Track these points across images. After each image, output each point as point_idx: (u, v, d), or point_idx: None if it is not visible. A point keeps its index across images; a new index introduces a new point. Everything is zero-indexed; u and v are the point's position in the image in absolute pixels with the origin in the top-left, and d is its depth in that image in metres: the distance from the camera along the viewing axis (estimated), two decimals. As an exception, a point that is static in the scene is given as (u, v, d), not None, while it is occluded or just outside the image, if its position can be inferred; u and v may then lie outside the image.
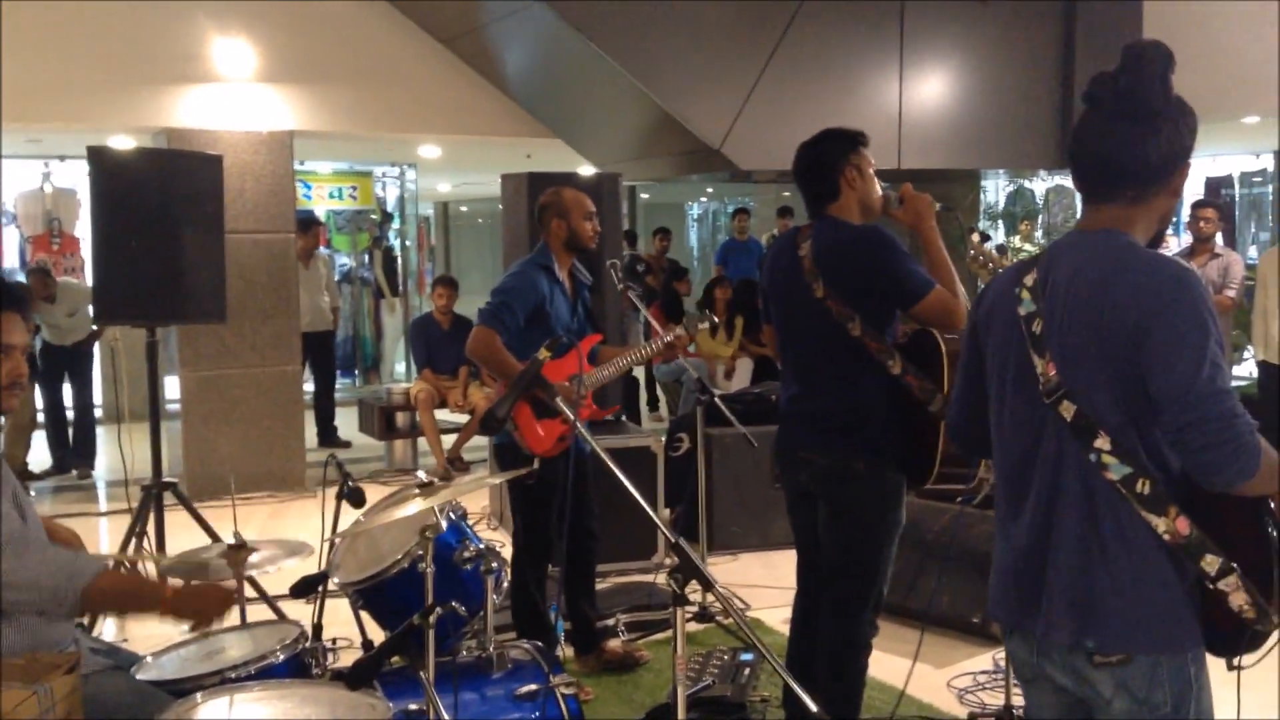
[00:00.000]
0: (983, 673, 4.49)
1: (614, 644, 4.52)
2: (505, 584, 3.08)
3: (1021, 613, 2.11)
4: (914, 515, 5.13)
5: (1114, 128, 2.02)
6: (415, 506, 2.67)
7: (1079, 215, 2.15)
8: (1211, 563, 1.91)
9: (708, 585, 2.10)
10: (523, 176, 6.43)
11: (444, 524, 2.90)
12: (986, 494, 6.26)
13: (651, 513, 2.23)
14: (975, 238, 3.42)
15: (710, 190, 18.89)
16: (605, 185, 6.24)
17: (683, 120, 7.28)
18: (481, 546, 3.03)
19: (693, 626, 4.93)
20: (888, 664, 4.43)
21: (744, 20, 7.43)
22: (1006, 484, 2.17)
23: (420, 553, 2.69)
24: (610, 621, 4.71)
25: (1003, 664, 4.36)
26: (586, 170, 9.15)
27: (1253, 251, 12.53)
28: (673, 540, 2.14)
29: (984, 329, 2.22)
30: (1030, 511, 2.08)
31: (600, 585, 4.84)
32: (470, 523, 6.45)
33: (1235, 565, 1.91)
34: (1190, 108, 2.06)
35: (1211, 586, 1.93)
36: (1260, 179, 12.86)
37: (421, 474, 2.92)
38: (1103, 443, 1.95)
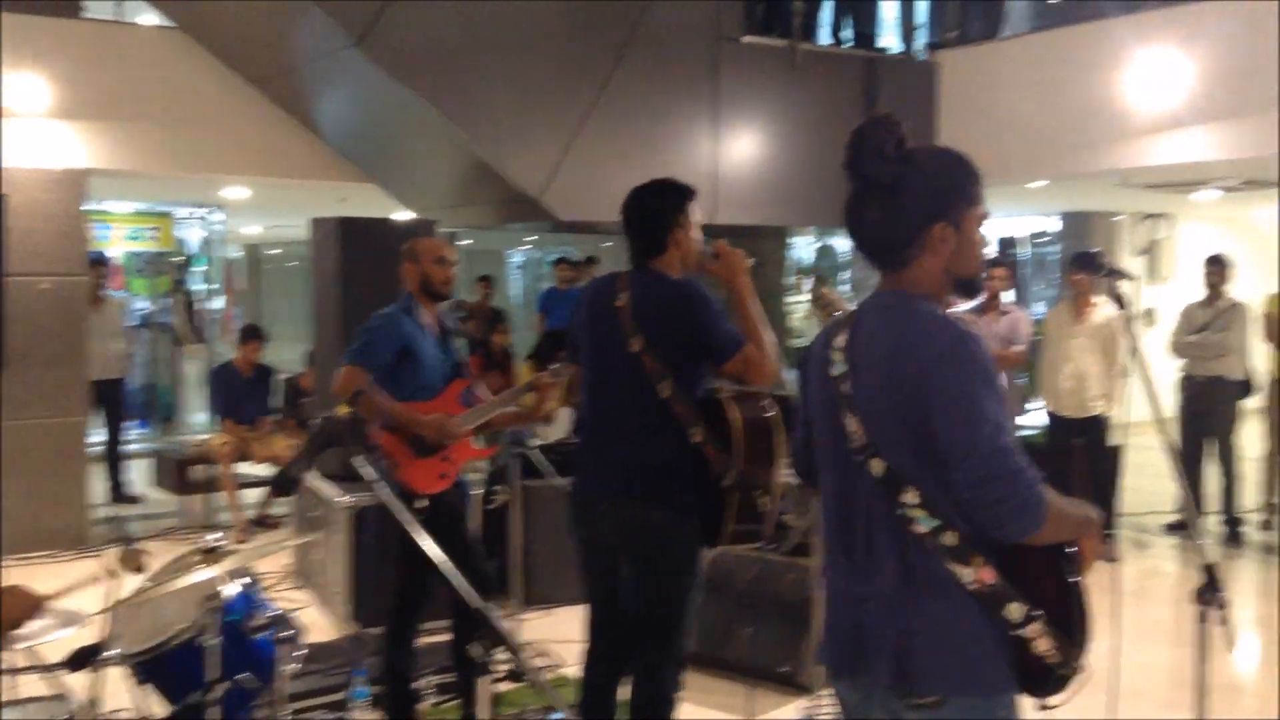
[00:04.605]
0: (792, 723, 4.52)
1: None
2: (301, 651, 2.92)
3: (848, 658, 2.16)
4: (726, 566, 5.20)
5: (858, 207, 2.15)
6: (201, 574, 2.49)
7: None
8: (1014, 611, 2.00)
9: (513, 650, 2.04)
10: (333, 221, 6.26)
11: (230, 591, 2.72)
12: (796, 542, 6.38)
13: (451, 575, 2.15)
14: (828, 287, 3.53)
15: (534, 238, 18.87)
16: (421, 231, 6.12)
17: (502, 170, 7.24)
18: (274, 613, 2.86)
19: (504, 686, 4.81)
20: (699, 717, 4.43)
21: (564, 72, 7.47)
22: (831, 534, 2.23)
23: (206, 621, 2.52)
24: (420, 684, 4.55)
25: (812, 714, 4.40)
26: (402, 216, 9.00)
27: (1040, 308, 13.29)
28: (475, 607, 2.07)
29: (810, 387, 2.29)
30: (855, 560, 2.14)
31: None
32: (270, 584, 6.18)
33: (1038, 613, 2.00)
34: (939, 164, 2.13)
35: (1015, 634, 2.01)
36: (1048, 239, 13.68)
37: (211, 537, 2.74)
38: (910, 497, 2.02)
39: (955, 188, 2.13)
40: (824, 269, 12.61)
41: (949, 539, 2.00)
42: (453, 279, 4.30)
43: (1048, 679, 2.05)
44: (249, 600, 2.89)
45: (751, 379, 3.24)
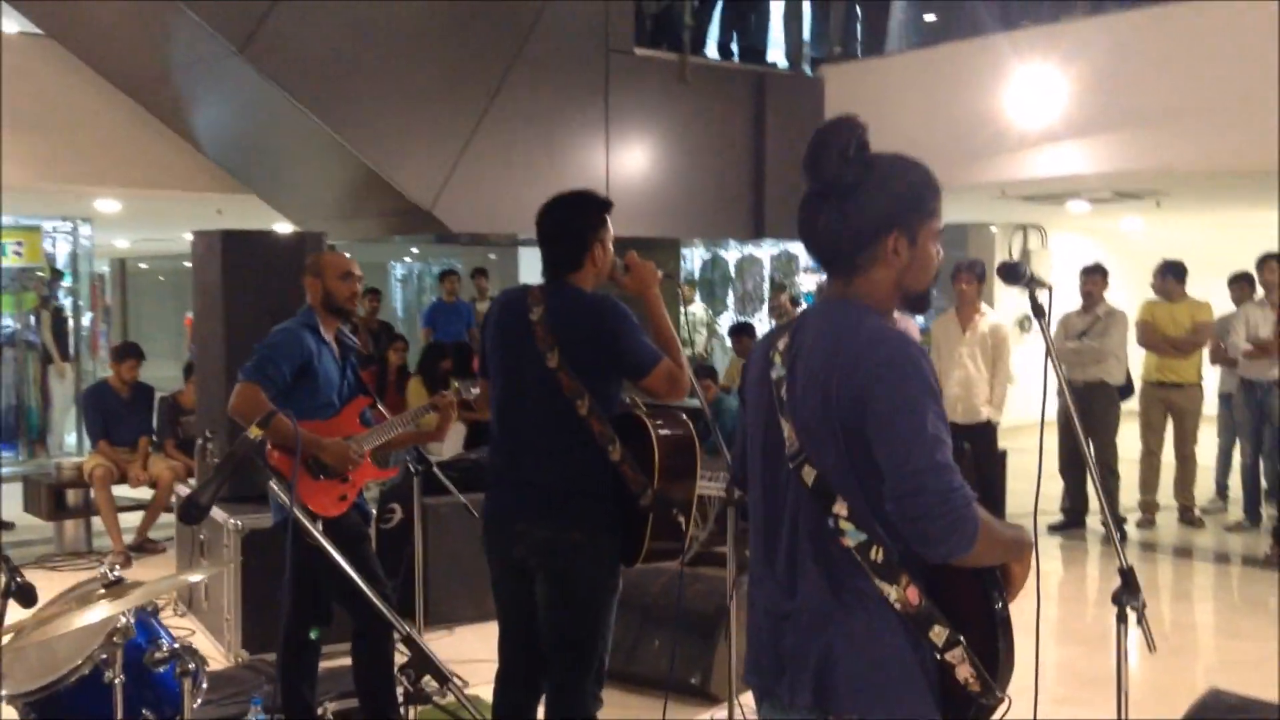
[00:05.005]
0: (703, 735, 4.50)
1: None
2: (204, 684, 2.78)
3: (771, 677, 2.07)
4: (633, 577, 5.14)
5: (811, 206, 2.05)
6: (102, 610, 2.34)
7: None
8: (939, 634, 1.93)
9: (443, 680, 1.96)
10: (216, 234, 6.04)
11: (134, 624, 2.57)
12: (696, 551, 6.38)
13: (378, 600, 2.07)
14: (786, 298, 3.51)
15: (415, 250, 18.60)
16: (309, 244, 5.95)
17: (391, 180, 7.10)
18: (176, 645, 2.71)
19: (412, 710, 4.68)
20: (612, 735, 4.37)
21: (454, 81, 7.36)
22: (758, 545, 2.14)
23: (103, 656, 2.37)
24: (319, 712, 4.39)
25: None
26: (284, 228, 8.76)
27: (920, 318, 13.61)
28: (403, 633, 1.99)
29: (747, 389, 2.21)
30: (777, 575, 2.07)
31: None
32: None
33: (961, 638, 1.94)
34: (900, 173, 2.05)
35: (939, 657, 1.95)
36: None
37: (114, 568, 2.58)
38: (840, 509, 1.94)
39: (914, 199, 2.05)
40: (715, 280, 12.71)
41: (876, 555, 1.93)
42: (358, 295, 4.19)
43: (969, 708, 1.98)
44: (148, 632, 2.73)
45: (669, 393, 3.21)
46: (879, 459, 1.90)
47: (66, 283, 11.50)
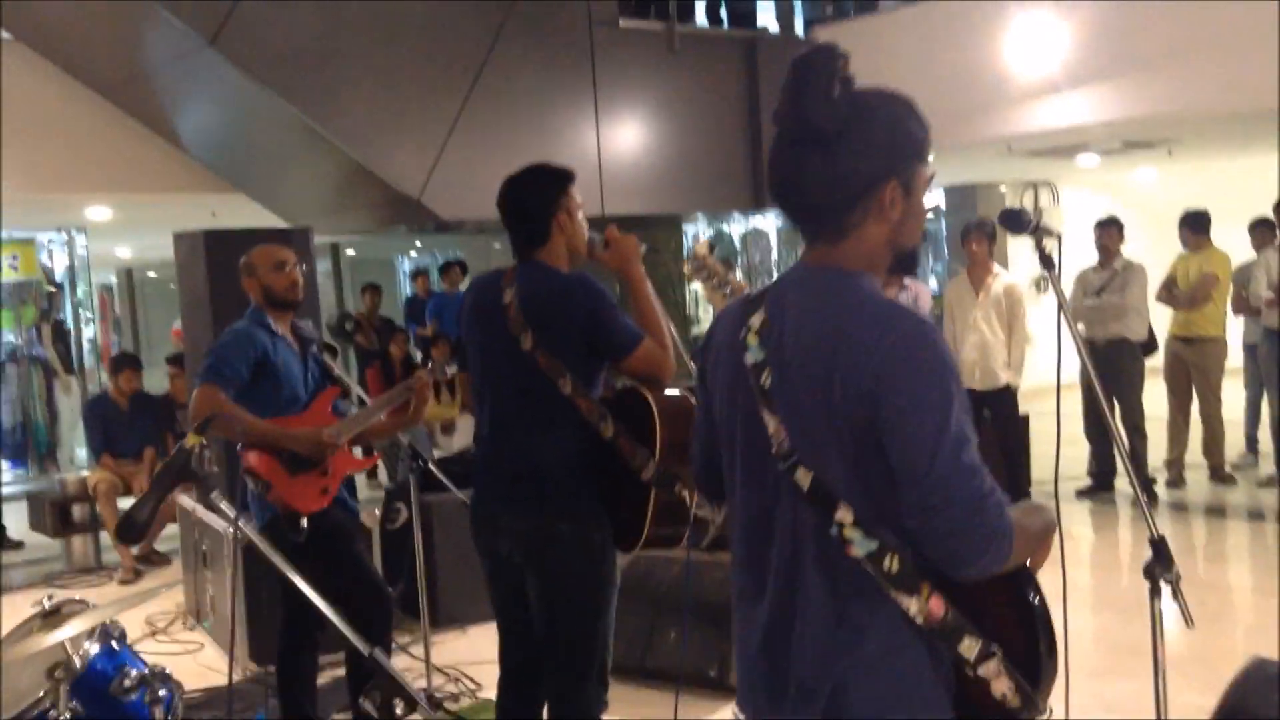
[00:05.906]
0: (725, 727, 4.33)
1: None
2: (179, 711, 2.62)
3: (770, 704, 1.82)
4: (645, 568, 4.98)
5: (790, 155, 1.76)
6: (60, 636, 2.17)
7: (773, 254, 1.92)
8: (970, 647, 1.69)
9: (411, 703, 1.78)
10: (198, 235, 5.90)
11: (92, 649, 2.40)
12: (714, 536, 6.19)
13: (330, 613, 1.90)
14: (703, 246, 3.26)
15: (419, 244, 18.45)
16: (295, 240, 5.78)
17: (376, 170, 6.91)
18: (145, 671, 2.55)
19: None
20: (627, 732, 4.21)
21: (435, 64, 7.17)
22: (744, 552, 1.86)
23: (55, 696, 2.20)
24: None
25: (743, 717, 4.22)
26: (278, 225, 8.60)
27: (931, 282, 13.36)
28: (365, 652, 1.82)
29: (711, 375, 1.91)
30: (771, 588, 1.80)
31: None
32: (163, 625, 5.74)
33: (996, 649, 1.70)
34: (890, 111, 1.77)
35: (971, 674, 1.70)
36: (933, 214, 13.76)
37: (50, 596, 2.41)
38: (844, 515, 1.68)
39: (908, 139, 1.77)
40: (719, 256, 12.48)
41: (891, 564, 1.66)
42: (297, 282, 4.02)
43: None
44: (114, 658, 2.57)
45: (651, 376, 3.01)
46: (895, 463, 1.65)
47: (68, 294, 11.39)
